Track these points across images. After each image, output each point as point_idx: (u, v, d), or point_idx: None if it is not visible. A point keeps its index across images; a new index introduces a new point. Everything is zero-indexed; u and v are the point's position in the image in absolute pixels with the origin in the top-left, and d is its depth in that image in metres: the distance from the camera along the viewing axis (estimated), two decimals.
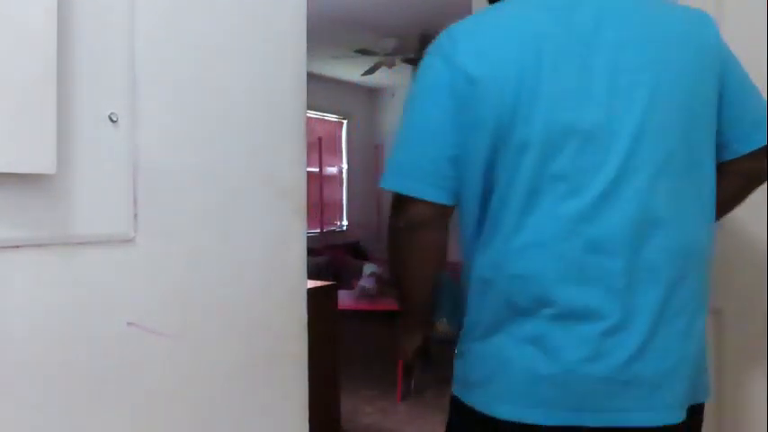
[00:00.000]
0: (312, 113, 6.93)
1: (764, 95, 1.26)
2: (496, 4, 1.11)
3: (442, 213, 1.09)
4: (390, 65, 5.70)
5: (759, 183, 1.16)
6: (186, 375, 0.89)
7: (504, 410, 1.01)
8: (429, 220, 1.09)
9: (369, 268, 4.52)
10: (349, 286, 4.65)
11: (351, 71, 6.68)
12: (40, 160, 0.70)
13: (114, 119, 0.80)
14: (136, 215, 0.83)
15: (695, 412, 1.08)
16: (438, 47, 1.08)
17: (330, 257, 6.40)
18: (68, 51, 0.75)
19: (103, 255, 0.80)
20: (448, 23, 1.09)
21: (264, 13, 1.00)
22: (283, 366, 1.03)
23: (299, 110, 1.05)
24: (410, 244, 1.12)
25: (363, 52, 5.54)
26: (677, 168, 1.01)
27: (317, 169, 7.11)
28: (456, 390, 1.12)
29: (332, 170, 7.56)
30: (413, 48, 5.52)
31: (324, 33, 5.20)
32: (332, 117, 7.56)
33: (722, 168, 1.10)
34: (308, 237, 1.09)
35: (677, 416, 1.01)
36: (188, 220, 0.90)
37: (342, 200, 7.75)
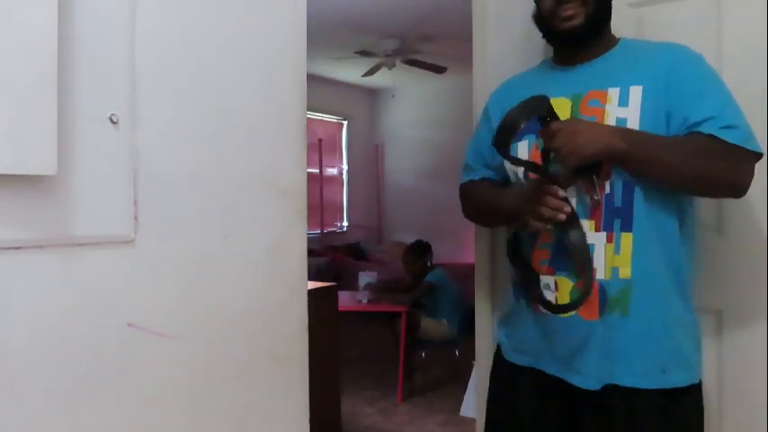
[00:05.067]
0: (312, 114, 6.93)
1: (765, 96, 1.26)
2: None
3: None
4: (391, 66, 5.70)
5: None
6: (186, 376, 0.89)
7: None
8: None
9: (364, 278, 4.48)
10: (349, 287, 4.64)
11: (351, 72, 6.67)
12: (40, 161, 0.70)
13: (115, 120, 0.80)
14: (136, 216, 0.83)
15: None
16: None
17: (330, 258, 6.40)
18: (69, 52, 0.75)
19: (104, 256, 0.80)
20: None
21: (265, 14, 1.00)
22: (284, 367, 1.03)
23: (300, 111, 1.05)
24: None
25: (364, 53, 5.54)
26: None
27: (318, 170, 7.11)
28: None
29: (332, 171, 7.56)
30: (413, 49, 5.52)
31: (324, 34, 5.20)
32: (332, 118, 7.56)
33: None
34: (308, 238, 1.09)
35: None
36: (188, 221, 0.90)
37: (342, 201, 7.74)
